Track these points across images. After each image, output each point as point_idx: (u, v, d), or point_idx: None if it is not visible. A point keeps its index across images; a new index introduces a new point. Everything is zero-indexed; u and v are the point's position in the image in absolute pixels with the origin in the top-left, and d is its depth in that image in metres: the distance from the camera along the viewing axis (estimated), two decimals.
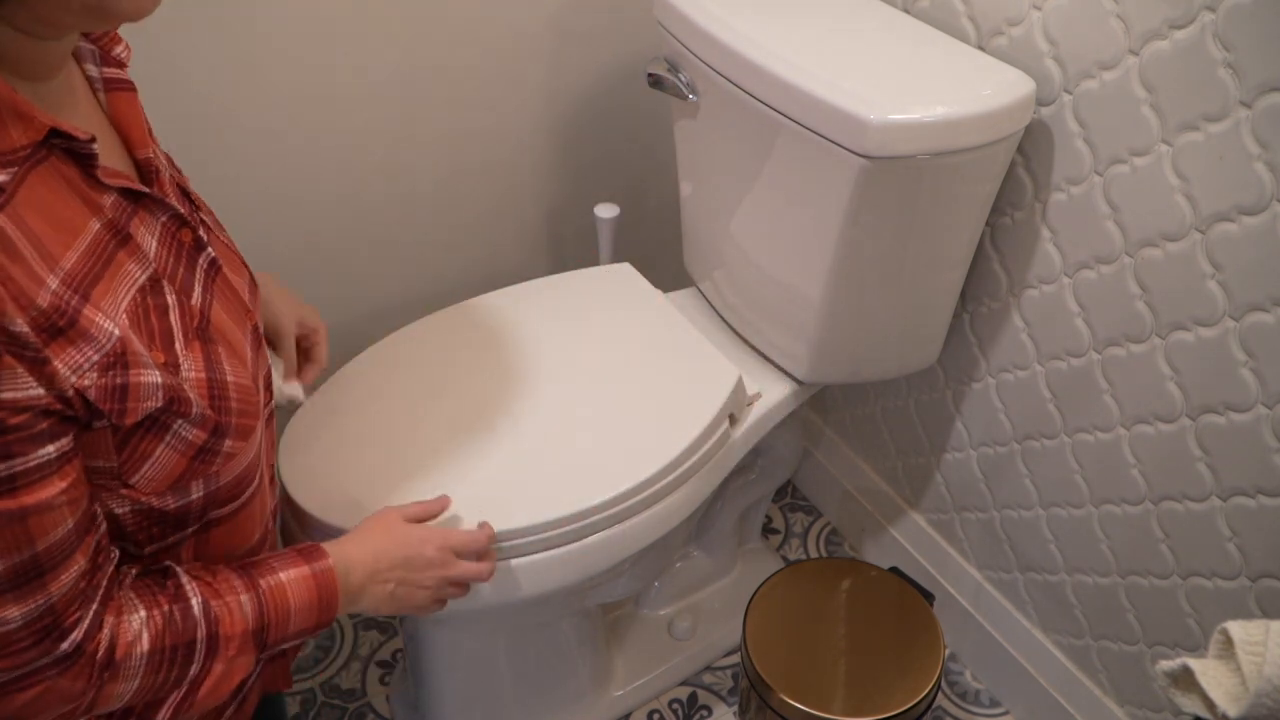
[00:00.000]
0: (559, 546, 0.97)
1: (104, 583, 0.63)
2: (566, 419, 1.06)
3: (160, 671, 0.65)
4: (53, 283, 0.56)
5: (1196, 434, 0.99)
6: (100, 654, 0.62)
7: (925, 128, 0.93)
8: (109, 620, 0.63)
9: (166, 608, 0.65)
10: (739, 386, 1.12)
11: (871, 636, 1.20)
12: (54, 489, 0.57)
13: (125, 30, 0.70)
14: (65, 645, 0.60)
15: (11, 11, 0.55)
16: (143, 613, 0.64)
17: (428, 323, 1.17)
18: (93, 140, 0.61)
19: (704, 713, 1.36)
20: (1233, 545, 1.00)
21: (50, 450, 0.56)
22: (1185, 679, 0.66)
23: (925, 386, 1.34)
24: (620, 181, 1.52)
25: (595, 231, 1.36)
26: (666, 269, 1.49)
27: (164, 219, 0.68)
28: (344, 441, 1.02)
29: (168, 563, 0.69)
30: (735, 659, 1.42)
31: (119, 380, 0.59)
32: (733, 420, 1.12)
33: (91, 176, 0.62)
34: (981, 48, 1.06)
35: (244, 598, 0.70)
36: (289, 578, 0.73)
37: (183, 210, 0.70)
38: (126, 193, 0.65)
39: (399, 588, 0.82)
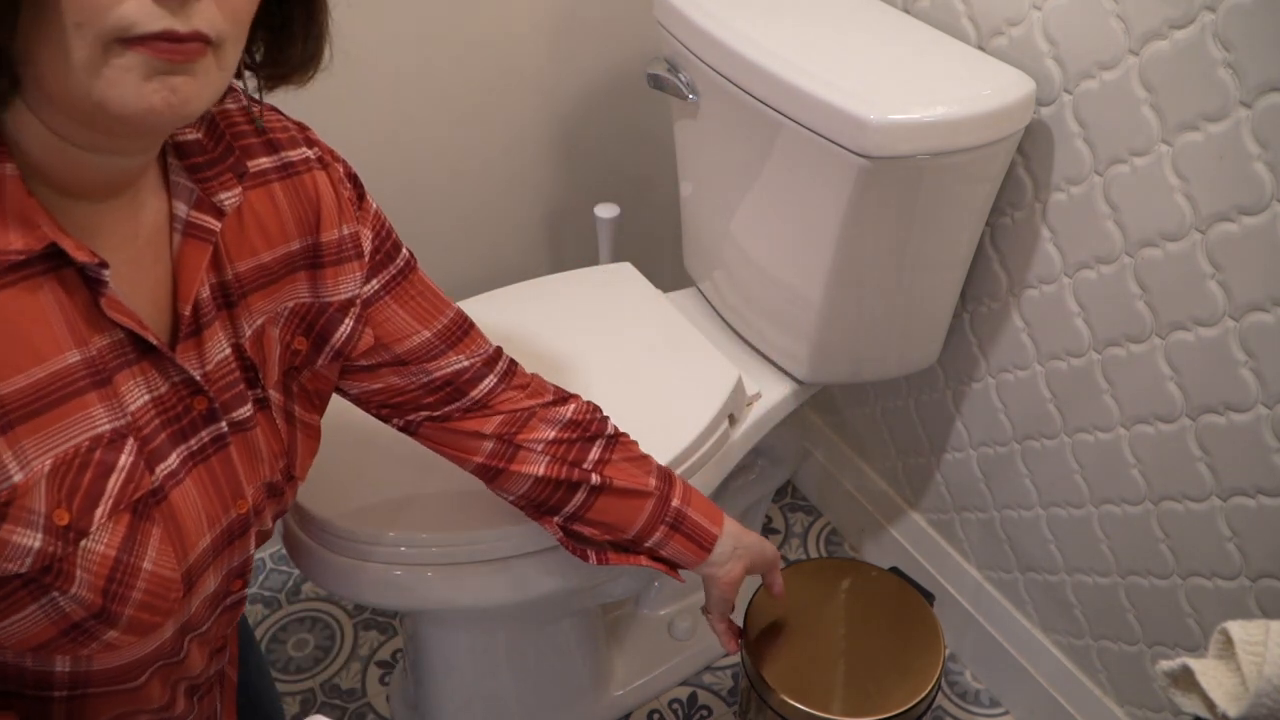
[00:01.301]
0: (559, 547, 0.96)
1: None
2: None
3: None
4: None
5: (1196, 434, 0.99)
6: None
7: (925, 128, 0.93)
8: None
9: None
10: (739, 386, 1.12)
11: (871, 636, 1.20)
12: None
13: None
14: None
15: (47, 114, 0.52)
16: None
17: None
18: (103, 265, 0.55)
19: (704, 713, 1.36)
20: (1233, 545, 0.99)
21: None
22: (1185, 679, 0.66)
23: (925, 386, 1.34)
24: (620, 181, 1.52)
25: (595, 231, 1.36)
26: (666, 269, 1.49)
27: (176, 380, 0.62)
28: (344, 442, 1.02)
29: None
30: (735, 659, 1.42)
31: None
32: (732, 420, 1.12)
33: (98, 307, 0.56)
34: (981, 48, 1.06)
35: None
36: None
37: (203, 379, 0.63)
38: (136, 339, 0.59)
39: None
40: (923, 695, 1.13)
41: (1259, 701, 0.60)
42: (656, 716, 1.36)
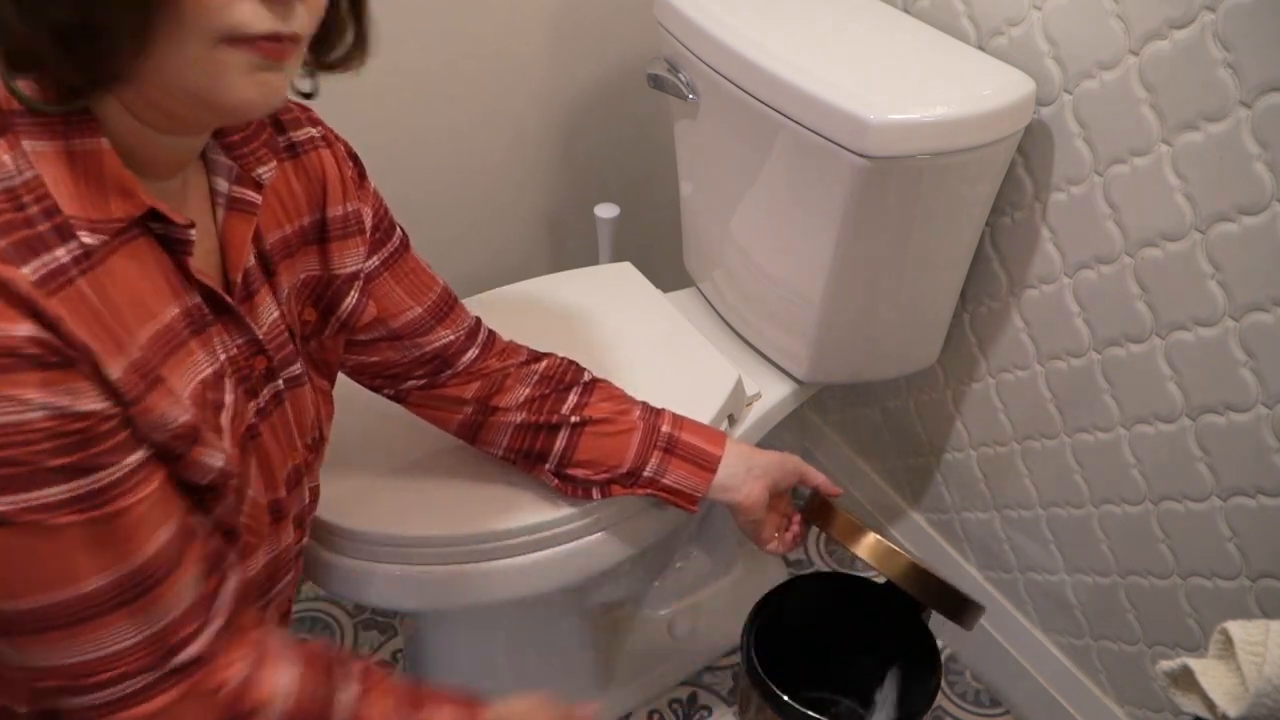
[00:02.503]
0: (558, 546, 0.97)
1: (226, 603, 0.61)
2: None
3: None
4: (127, 357, 0.55)
5: (1196, 434, 0.99)
6: (224, 693, 0.60)
7: (925, 128, 0.93)
8: (244, 659, 0.61)
9: (323, 681, 0.63)
10: (739, 386, 1.12)
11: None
12: (142, 494, 0.55)
13: None
14: (181, 658, 0.58)
15: (130, 98, 0.54)
16: (297, 671, 0.63)
17: None
18: (191, 226, 0.59)
19: (704, 713, 1.36)
20: (1233, 545, 0.99)
21: (133, 459, 0.55)
22: (1185, 679, 0.66)
23: (925, 386, 1.34)
24: (620, 181, 1.52)
25: (595, 231, 1.36)
26: (666, 269, 1.49)
27: (240, 341, 0.66)
28: (343, 446, 1.02)
29: (348, 652, 0.66)
30: (735, 659, 1.42)
31: (186, 450, 0.59)
32: (732, 420, 1.12)
33: (182, 268, 0.60)
34: (981, 48, 1.06)
35: (395, 716, 0.67)
36: (446, 717, 0.71)
37: (262, 337, 0.68)
38: (210, 298, 0.63)
39: None
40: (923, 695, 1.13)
41: (1259, 701, 0.60)
42: (656, 716, 1.36)
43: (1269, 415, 0.92)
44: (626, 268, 1.29)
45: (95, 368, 0.52)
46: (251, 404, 0.67)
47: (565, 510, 0.96)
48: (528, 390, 0.91)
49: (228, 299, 0.64)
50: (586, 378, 0.94)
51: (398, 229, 0.85)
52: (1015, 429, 1.21)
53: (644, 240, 1.55)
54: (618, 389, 0.95)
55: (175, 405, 0.58)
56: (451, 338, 0.88)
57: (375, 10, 1.19)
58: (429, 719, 0.69)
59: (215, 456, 0.61)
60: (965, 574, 1.37)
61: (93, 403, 0.52)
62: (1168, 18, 0.87)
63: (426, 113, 1.30)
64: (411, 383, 0.89)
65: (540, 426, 0.91)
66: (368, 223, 0.79)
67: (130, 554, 0.55)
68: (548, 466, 0.92)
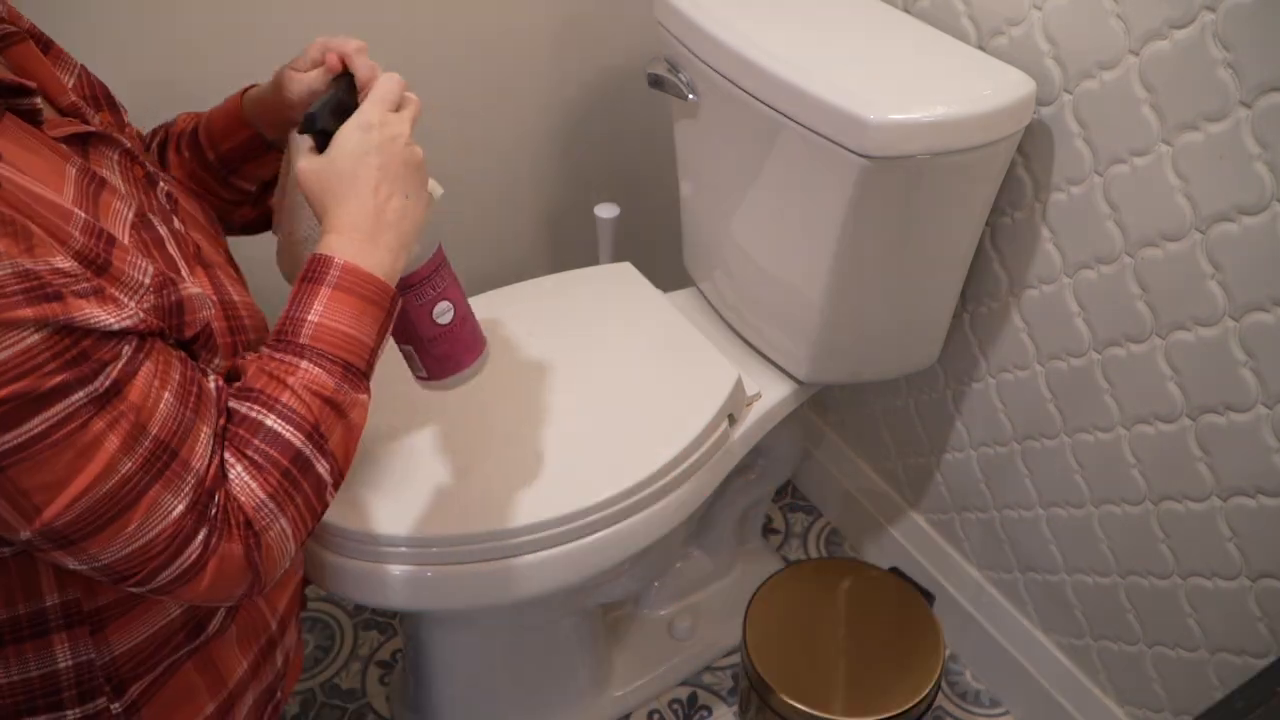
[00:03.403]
0: (558, 546, 0.97)
1: (223, 435, 0.63)
2: (565, 418, 1.06)
3: (294, 495, 0.64)
4: (75, 226, 0.56)
5: (1196, 434, 0.99)
6: (236, 514, 0.61)
7: (925, 127, 0.93)
8: (229, 486, 0.62)
9: (254, 443, 0.63)
10: (738, 386, 1.12)
11: (871, 636, 1.20)
12: (146, 376, 0.57)
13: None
14: (214, 509, 0.60)
15: None
16: (238, 463, 0.62)
17: None
18: (37, 93, 0.60)
19: (704, 713, 1.36)
20: (1233, 545, 0.99)
21: (127, 349, 0.56)
22: None
23: (925, 386, 1.34)
24: (620, 181, 1.52)
25: (595, 231, 1.36)
26: (666, 269, 1.49)
27: (115, 156, 0.67)
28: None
29: (229, 406, 0.65)
30: (735, 659, 1.42)
31: (173, 298, 0.60)
32: (732, 420, 1.12)
33: (39, 129, 0.61)
34: (981, 48, 1.06)
35: (303, 367, 0.64)
36: (320, 311, 0.66)
37: (131, 145, 0.69)
38: (74, 138, 0.64)
39: (396, 185, 0.71)
40: (923, 695, 1.14)
41: None
42: (656, 716, 1.36)
43: (1269, 415, 0.92)
44: (626, 268, 1.29)
45: (54, 266, 0.52)
46: (174, 220, 0.68)
47: (563, 510, 0.96)
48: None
49: (87, 128, 0.64)
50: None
51: None
52: (1015, 429, 1.21)
53: (644, 240, 1.55)
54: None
55: (136, 256, 0.58)
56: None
57: (375, 10, 1.18)
58: (319, 327, 0.66)
59: (194, 293, 0.62)
60: (965, 574, 1.37)
61: (86, 315, 0.53)
62: (1168, 18, 0.87)
63: (426, 113, 1.29)
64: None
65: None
66: None
67: (148, 430, 0.56)
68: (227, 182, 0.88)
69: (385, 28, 1.20)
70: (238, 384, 0.65)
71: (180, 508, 0.58)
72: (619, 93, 1.43)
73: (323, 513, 0.67)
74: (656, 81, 1.16)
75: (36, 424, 0.51)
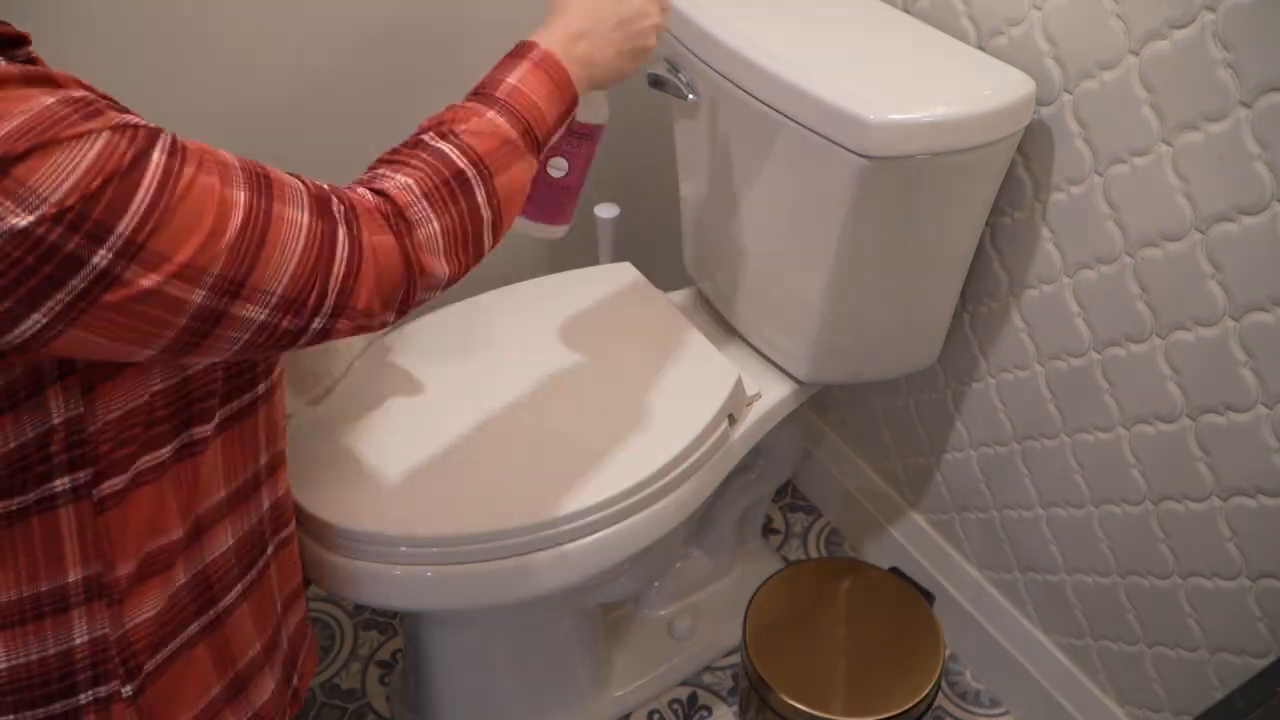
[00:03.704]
0: (558, 545, 0.97)
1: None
2: (565, 418, 1.06)
3: (450, 206, 0.69)
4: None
5: (1196, 434, 0.99)
6: (384, 206, 0.66)
7: (925, 127, 0.93)
8: (377, 184, 0.68)
9: (422, 156, 0.69)
10: (738, 386, 1.12)
11: (871, 636, 1.20)
12: (197, 143, 0.59)
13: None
14: (341, 208, 0.63)
15: None
16: (403, 174, 0.68)
17: (426, 322, 1.17)
18: (29, 40, 0.61)
19: (704, 713, 1.36)
20: (1233, 545, 0.99)
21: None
22: None
23: (925, 386, 1.34)
24: (620, 181, 1.52)
25: (595, 231, 1.36)
26: (666, 269, 1.48)
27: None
28: (343, 445, 1.02)
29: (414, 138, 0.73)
30: (735, 659, 1.42)
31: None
32: (732, 420, 1.12)
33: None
34: (981, 48, 1.06)
35: (490, 114, 0.73)
36: (518, 78, 0.75)
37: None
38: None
39: (624, 41, 0.83)
40: (923, 695, 1.14)
41: None
42: (656, 716, 1.36)
43: (1269, 415, 0.92)
44: (626, 268, 1.29)
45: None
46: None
47: (562, 510, 0.96)
48: None
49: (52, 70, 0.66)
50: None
51: None
52: (1015, 429, 1.21)
53: (644, 240, 1.54)
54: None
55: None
56: None
57: (375, 9, 1.17)
58: (513, 89, 0.75)
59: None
60: (965, 574, 1.37)
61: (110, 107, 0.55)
62: (1168, 18, 0.87)
63: (426, 113, 1.30)
64: None
65: None
66: None
67: (229, 160, 0.59)
68: None
69: (384, 26, 1.20)
70: (427, 121, 0.73)
71: (305, 216, 0.61)
72: (619, 93, 1.43)
73: (478, 254, 0.73)
74: (656, 81, 1.16)
75: (142, 195, 0.53)
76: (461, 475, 0.99)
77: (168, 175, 0.55)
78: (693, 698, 1.38)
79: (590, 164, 0.93)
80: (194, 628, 0.74)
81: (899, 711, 1.12)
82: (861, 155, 0.93)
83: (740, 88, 1.03)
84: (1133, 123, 0.93)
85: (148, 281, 0.54)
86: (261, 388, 0.76)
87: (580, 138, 0.91)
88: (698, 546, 1.45)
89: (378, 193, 0.67)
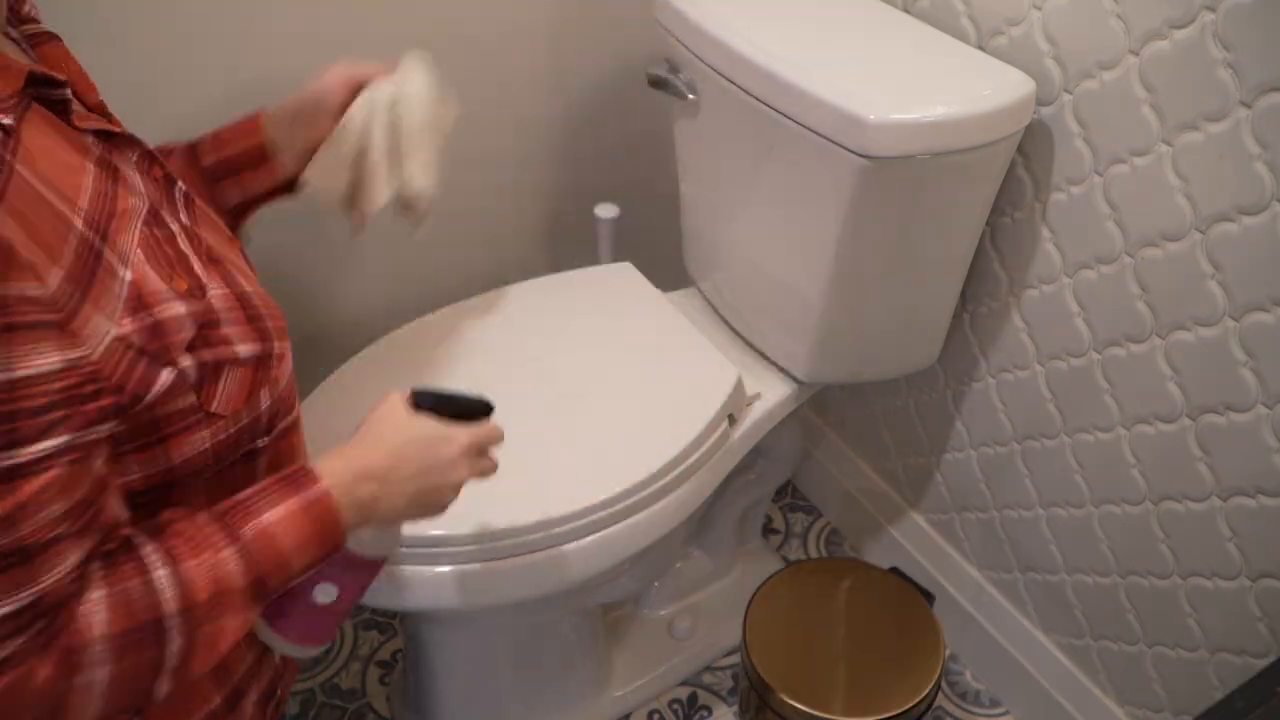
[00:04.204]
0: (558, 546, 0.97)
1: (89, 566, 0.58)
2: (565, 418, 1.06)
3: (129, 655, 0.58)
4: (77, 223, 0.56)
5: (1196, 434, 0.99)
6: (65, 640, 0.56)
7: (925, 127, 0.93)
8: (80, 605, 0.58)
9: (130, 583, 0.58)
10: (738, 386, 1.12)
11: (871, 636, 1.20)
12: (49, 480, 0.53)
13: None
14: (39, 627, 0.55)
15: None
16: (103, 591, 0.58)
17: (427, 322, 1.17)
18: (66, 83, 0.61)
19: (704, 713, 1.36)
20: (1233, 545, 0.99)
21: (48, 443, 0.53)
22: None
23: (925, 386, 1.34)
24: (620, 181, 1.52)
25: (595, 231, 1.36)
26: (666, 269, 1.48)
27: (135, 158, 0.68)
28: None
29: (129, 533, 0.62)
30: (735, 659, 1.42)
31: (146, 320, 0.59)
32: (732, 420, 1.12)
33: (68, 122, 0.61)
34: (981, 48, 1.06)
35: (225, 553, 0.62)
36: (276, 518, 0.64)
37: (150, 147, 0.70)
38: (100, 134, 0.64)
39: (419, 494, 0.74)
40: (923, 695, 1.14)
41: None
42: (656, 716, 1.36)
43: (1269, 415, 0.92)
44: (626, 268, 1.29)
45: (27, 293, 0.51)
46: (185, 219, 0.68)
47: (562, 510, 0.96)
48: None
49: (112, 128, 0.65)
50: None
51: None
52: (1015, 429, 1.21)
53: (644, 240, 1.55)
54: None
55: (119, 263, 0.58)
56: None
57: (375, 9, 1.18)
58: (263, 532, 0.64)
59: (175, 306, 0.60)
60: (965, 574, 1.37)
61: (39, 365, 0.51)
62: (1168, 18, 0.87)
63: None
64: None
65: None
66: None
67: (16, 527, 0.53)
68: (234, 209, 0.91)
69: (385, 27, 1.20)
70: (166, 518, 0.63)
71: (6, 611, 0.53)
72: (619, 93, 1.43)
73: (145, 701, 0.61)
74: (656, 82, 1.16)
75: None
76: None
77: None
78: (693, 698, 1.38)
79: (365, 591, 0.79)
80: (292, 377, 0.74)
81: (899, 711, 1.12)
82: (861, 155, 0.93)
83: (740, 87, 1.03)
84: (1133, 123, 0.93)
85: None
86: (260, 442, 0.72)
87: (358, 568, 0.76)
88: (698, 546, 1.45)
89: (74, 623, 0.56)
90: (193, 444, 0.64)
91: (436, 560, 0.95)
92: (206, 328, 0.63)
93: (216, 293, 0.65)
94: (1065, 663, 1.26)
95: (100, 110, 0.69)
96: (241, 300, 0.68)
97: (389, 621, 1.45)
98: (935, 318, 1.17)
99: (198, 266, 0.65)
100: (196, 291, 0.63)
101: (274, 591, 0.66)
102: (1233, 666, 1.04)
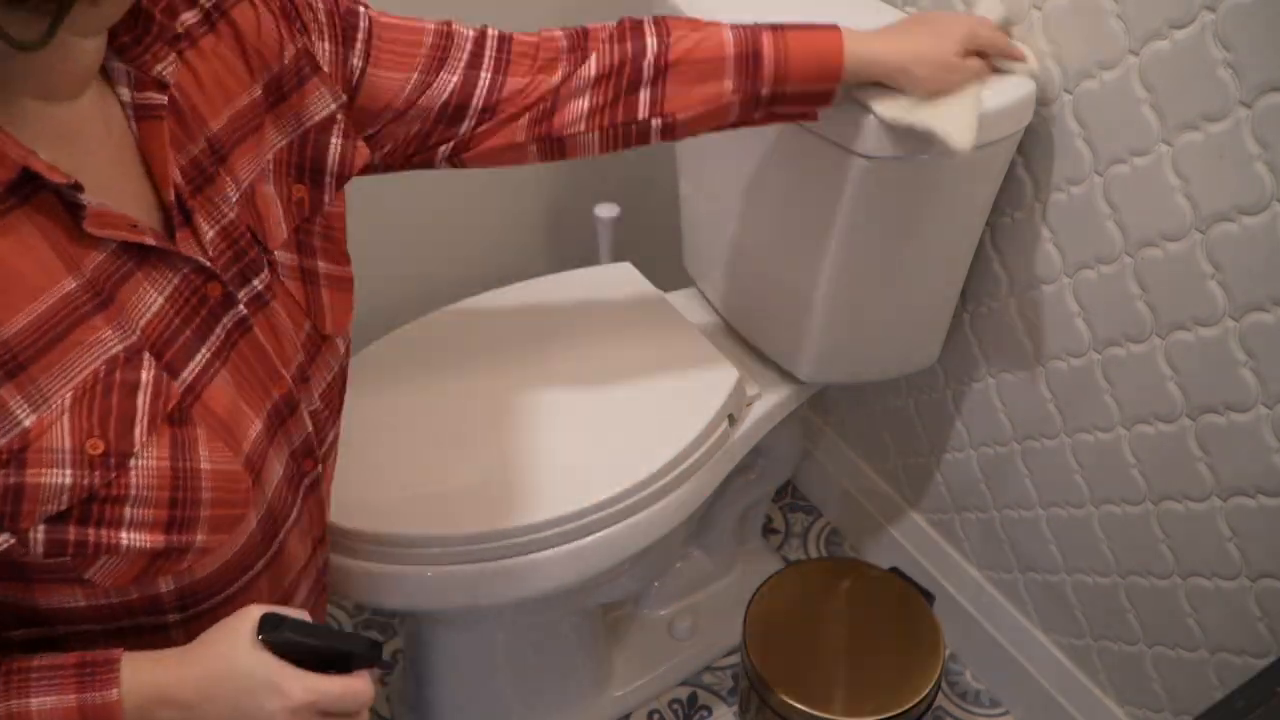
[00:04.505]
0: (558, 546, 0.97)
1: None
2: (565, 418, 1.06)
3: None
4: None
5: (1196, 434, 0.99)
6: None
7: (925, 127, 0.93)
8: None
9: None
10: (738, 386, 1.12)
11: (871, 636, 1.20)
12: None
13: None
14: None
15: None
16: None
17: (426, 322, 1.17)
18: (75, 186, 0.53)
19: (704, 713, 1.36)
20: (1233, 545, 0.99)
21: None
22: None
23: (925, 386, 1.34)
24: (620, 181, 1.52)
25: (595, 231, 1.36)
26: (666, 269, 1.48)
27: (185, 272, 0.60)
28: (345, 444, 1.02)
29: None
30: (735, 659, 1.42)
31: (12, 480, 0.52)
32: (732, 420, 1.12)
33: (81, 228, 0.54)
34: None
35: None
36: (46, 708, 0.56)
37: (210, 263, 0.61)
38: (130, 247, 0.57)
39: None
40: (923, 695, 1.14)
41: None
42: (656, 716, 1.36)
43: (1269, 415, 0.92)
44: (626, 268, 1.29)
45: None
46: (201, 357, 0.61)
47: (563, 510, 0.96)
48: (587, 103, 0.82)
49: (145, 240, 0.57)
50: (650, 59, 0.82)
51: (359, 8, 0.74)
52: (1015, 429, 1.21)
53: (644, 240, 1.54)
54: (688, 43, 0.82)
55: (23, 407, 0.52)
56: (454, 79, 0.78)
57: (375, 9, 1.17)
58: (22, 709, 0.56)
59: (58, 475, 0.54)
60: (965, 574, 1.37)
61: None
62: (1168, 18, 0.87)
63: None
64: (445, 145, 0.80)
65: (628, 139, 0.85)
66: (323, 52, 0.71)
67: None
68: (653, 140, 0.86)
69: None
70: None
71: None
72: None
73: None
74: None
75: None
76: (461, 475, 0.99)
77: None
78: (693, 698, 1.38)
79: None
80: (259, 565, 0.67)
81: (899, 711, 1.12)
82: (861, 155, 0.93)
83: None
84: (1133, 123, 0.93)
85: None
86: None
87: None
88: (698, 546, 1.45)
89: None
90: (61, 598, 0.58)
91: (436, 560, 0.95)
92: (97, 502, 0.55)
93: (149, 464, 0.57)
94: (1065, 663, 1.26)
95: (177, 201, 0.60)
96: (182, 480, 0.58)
97: (389, 621, 1.45)
98: (935, 318, 1.17)
99: (140, 431, 0.57)
100: (112, 460, 0.55)
101: None
102: (1233, 666, 1.04)
